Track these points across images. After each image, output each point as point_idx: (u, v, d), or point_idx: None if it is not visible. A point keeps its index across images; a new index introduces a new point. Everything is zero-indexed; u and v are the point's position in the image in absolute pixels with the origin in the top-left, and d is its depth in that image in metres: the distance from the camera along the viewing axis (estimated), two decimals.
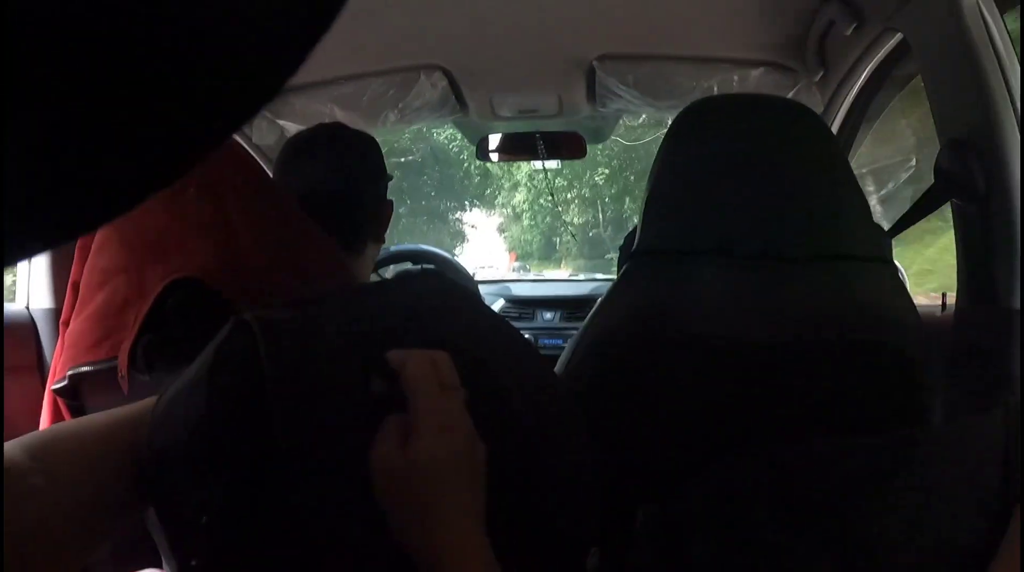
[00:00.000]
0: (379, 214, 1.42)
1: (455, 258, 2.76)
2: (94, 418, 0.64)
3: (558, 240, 22.58)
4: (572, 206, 21.24)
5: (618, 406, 1.08)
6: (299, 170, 1.34)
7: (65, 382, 0.88)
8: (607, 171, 19.91)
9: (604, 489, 0.80)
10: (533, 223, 23.02)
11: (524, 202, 22.29)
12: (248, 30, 0.22)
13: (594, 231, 21.33)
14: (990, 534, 0.66)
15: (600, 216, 21.38)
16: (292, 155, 1.38)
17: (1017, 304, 1.22)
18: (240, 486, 0.56)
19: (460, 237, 23.57)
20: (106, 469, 0.59)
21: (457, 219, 23.32)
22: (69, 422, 0.78)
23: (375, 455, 0.58)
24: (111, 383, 0.84)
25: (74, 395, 0.90)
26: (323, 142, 1.40)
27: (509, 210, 23.44)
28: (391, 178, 1.48)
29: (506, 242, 24.47)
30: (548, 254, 22.42)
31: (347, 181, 1.36)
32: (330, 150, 1.38)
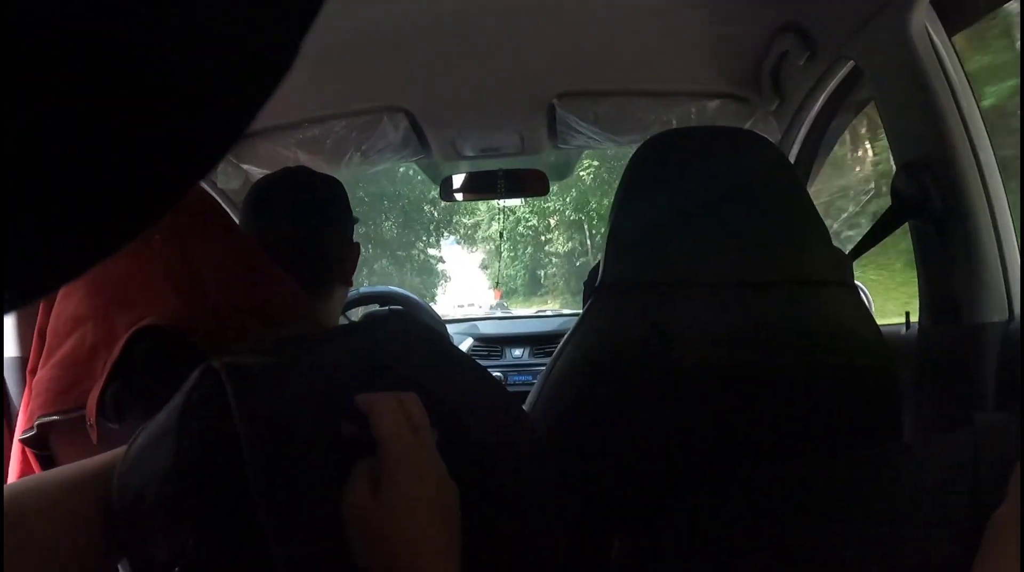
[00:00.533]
0: (346, 257, 1.42)
1: (422, 299, 2.76)
2: (63, 470, 0.62)
3: (543, 273, 22.26)
4: (556, 232, 20.94)
5: (590, 439, 1.08)
6: (265, 215, 1.33)
7: (33, 432, 0.86)
8: (593, 185, 19.43)
9: (579, 522, 0.79)
10: (514, 255, 22.38)
11: (504, 230, 21.87)
12: (212, 75, 0.22)
13: (582, 260, 20.98)
14: (963, 550, 0.66)
15: (588, 242, 21.00)
16: (257, 200, 1.37)
17: (978, 320, 1.24)
18: (212, 534, 0.55)
19: (437, 276, 23.50)
20: (78, 521, 0.58)
21: (431, 257, 23.25)
22: (38, 475, 0.76)
23: (347, 501, 0.57)
24: (80, 432, 0.82)
25: (43, 445, 0.88)
26: (288, 186, 1.38)
27: (490, 244, 22.84)
28: (357, 220, 1.47)
29: (489, 278, 23.88)
30: (534, 290, 22.10)
31: (313, 225, 1.35)
32: (295, 194, 1.37)
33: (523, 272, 22.77)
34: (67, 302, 0.90)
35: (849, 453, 0.83)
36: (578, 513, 0.80)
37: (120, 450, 0.61)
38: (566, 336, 1.14)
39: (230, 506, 0.54)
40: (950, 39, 1.28)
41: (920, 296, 1.39)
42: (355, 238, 1.47)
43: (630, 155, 1.13)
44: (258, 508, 0.53)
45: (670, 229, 1.08)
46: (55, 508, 0.58)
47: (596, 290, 1.12)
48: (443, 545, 0.58)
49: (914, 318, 1.43)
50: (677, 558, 0.82)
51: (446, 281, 24.07)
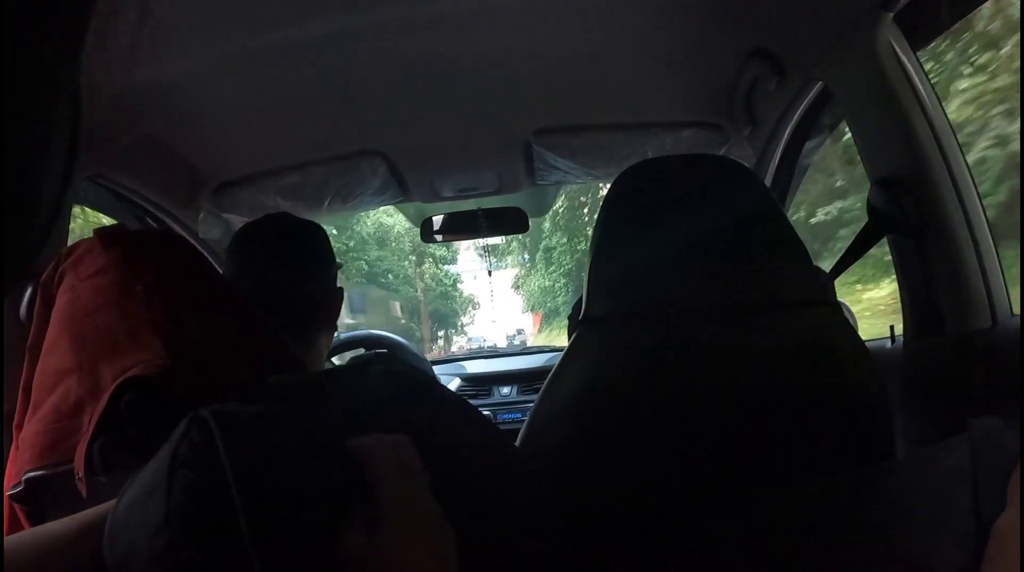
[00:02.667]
0: (329, 303, 1.42)
1: (406, 342, 2.75)
2: (53, 526, 0.62)
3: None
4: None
5: (583, 472, 1.08)
6: (247, 262, 1.33)
7: (21, 487, 0.85)
8: None
9: (577, 555, 0.79)
10: (553, 265, 20.86)
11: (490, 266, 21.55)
12: None
13: None
14: (968, 558, 0.66)
15: None
16: (239, 248, 1.37)
17: (963, 329, 1.25)
18: None
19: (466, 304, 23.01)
20: None
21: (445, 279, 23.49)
22: (26, 533, 0.75)
23: (343, 548, 0.57)
24: (69, 486, 0.81)
25: (31, 500, 0.87)
26: (269, 233, 1.39)
27: (523, 257, 21.99)
28: (341, 265, 1.47)
29: (525, 301, 22.43)
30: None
31: (295, 272, 1.35)
32: (276, 241, 1.37)
33: (564, 281, 21.13)
34: (51, 356, 0.89)
35: (846, 474, 0.83)
36: (576, 547, 0.79)
37: (110, 504, 0.60)
38: (553, 372, 1.14)
39: (224, 558, 0.54)
40: (915, 53, 1.31)
41: (903, 309, 1.40)
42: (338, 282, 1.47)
43: None
44: (252, 558, 0.52)
45: (651, 259, 1.09)
46: (46, 565, 0.57)
47: (580, 323, 1.12)
48: None
49: (898, 331, 1.44)
50: None
51: (473, 307, 23.43)
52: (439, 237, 2.86)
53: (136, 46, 1.38)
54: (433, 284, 25.30)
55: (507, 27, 1.63)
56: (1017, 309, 1.26)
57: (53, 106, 0.33)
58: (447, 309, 24.31)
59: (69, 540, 0.60)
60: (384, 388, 0.75)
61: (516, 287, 23.35)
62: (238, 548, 0.52)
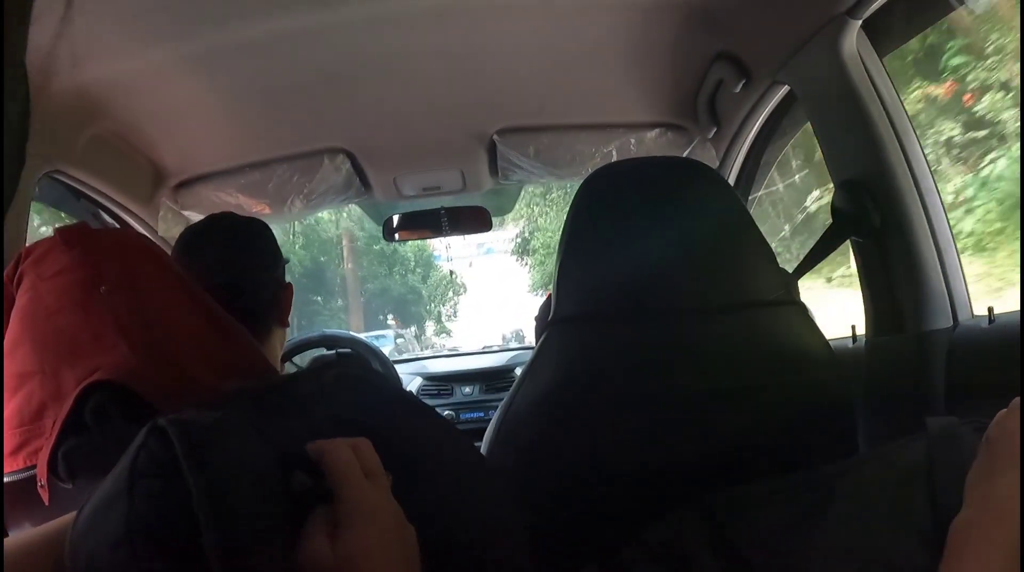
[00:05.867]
0: (279, 299, 1.41)
1: (368, 340, 2.74)
2: (16, 538, 0.61)
3: None
4: None
5: (552, 471, 1.08)
6: (194, 264, 1.32)
7: None
8: None
9: (543, 554, 0.79)
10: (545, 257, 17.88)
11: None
12: None
13: None
14: (928, 556, 0.67)
15: None
16: (184, 249, 1.37)
17: (923, 328, 1.28)
18: None
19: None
20: None
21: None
22: None
23: (305, 552, 0.56)
24: (31, 494, 0.79)
25: None
26: (213, 233, 1.39)
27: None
28: (287, 261, 1.47)
29: (534, 272, 19.81)
30: None
31: (241, 269, 1.34)
32: (220, 240, 1.37)
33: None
34: (12, 360, 0.87)
35: (808, 470, 0.84)
36: (540, 547, 0.79)
37: (70, 517, 0.59)
38: (522, 371, 1.15)
39: (186, 568, 0.53)
40: (881, 59, 1.33)
41: (864, 309, 1.42)
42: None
43: None
44: (214, 567, 0.51)
45: (619, 261, 1.09)
46: None
47: (550, 324, 1.12)
48: None
49: (860, 331, 1.47)
50: None
51: (456, 293, 21.59)
52: (400, 235, 2.84)
53: (95, 39, 1.35)
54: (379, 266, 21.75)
55: (473, 25, 1.63)
56: (978, 310, 1.28)
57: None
58: (408, 297, 21.53)
59: (32, 551, 0.58)
60: (344, 391, 0.75)
61: (520, 252, 20.31)
62: (200, 557, 0.51)
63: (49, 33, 1.24)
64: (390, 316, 22.70)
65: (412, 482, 0.66)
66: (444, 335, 23.13)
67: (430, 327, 23.62)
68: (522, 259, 20.93)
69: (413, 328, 21.34)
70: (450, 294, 24.01)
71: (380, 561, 0.56)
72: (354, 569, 0.55)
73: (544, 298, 1.88)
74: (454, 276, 21.92)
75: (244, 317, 1.10)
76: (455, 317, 24.19)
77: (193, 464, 0.53)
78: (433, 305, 24.02)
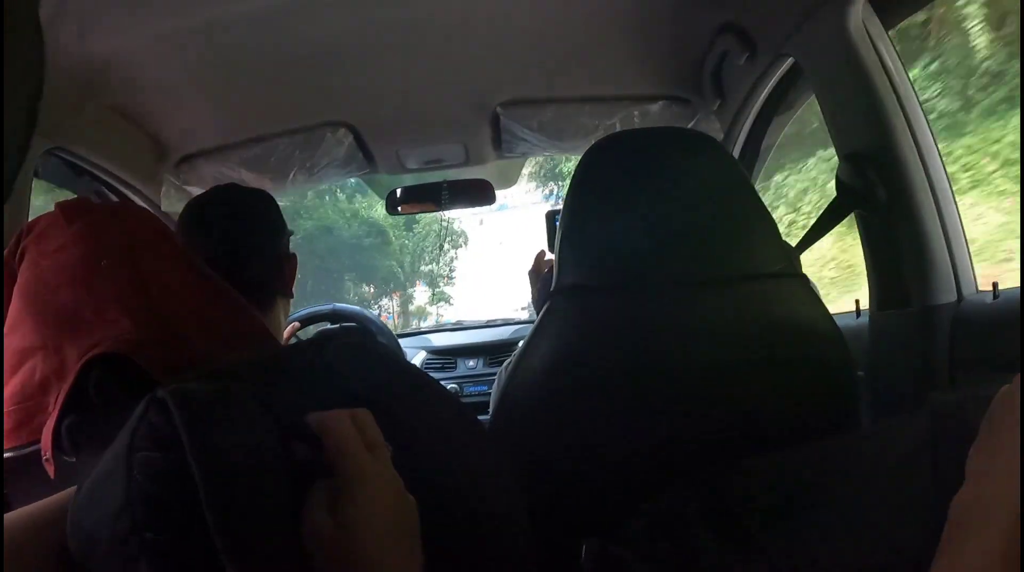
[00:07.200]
0: (283, 269, 1.42)
1: (373, 315, 2.74)
2: (19, 513, 0.61)
3: None
4: None
5: (556, 443, 1.09)
6: (199, 235, 1.32)
7: None
8: None
9: (546, 525, 0.79)
10: None
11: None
12: None
13: None
14: (930, 531, 0.67)
15: None
16: (188, 222, 1.37)
17: (927, 303, 1.27)
18: (170, 570, 0.53)
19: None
20: (37, 565, 0.57)
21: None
22: None
23: (306, 523, 0.56)
24: (36, 468, 0.80)
25: None
26: (217, 204, 1.39)
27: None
28: (292, 232, 1.48)
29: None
30: None
31: (247, 241, 1.35)
32: (227, 211, 1.38)
33: None
34: (14, 335, 0.87)
35: (810, 444, 0.84)
36: (542, 519, 0.80)
37: (72, 490, 0.60)
38: (523, 343, 1.15)
39: (186, 539, 0.53)
40: (887, 33, 1.31)
41: (869, 283, 1.42)
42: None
43: None
44: (215, 539, 0.52)
45: (622, 231, 1.09)
46: (14, 553, 0.56)
47: (551, 295, 1.12)
48: (405, 558, 0.58)
49: (864, 305, 1.46)
50: (645, 560, 0.82)
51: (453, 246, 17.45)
52: (403, 209, 2.84)
53: (98, 11, 1.34)
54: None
55: None
56: (983, 285, 1.28)
57: (12, 64, 0.31)
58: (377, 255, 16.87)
59: (36, 526, 0.59)
60: (346, 362, 0.75)
61: (543, 178, 17.25)
62: (200, 529, 0.51)
63: (53, 4, 1.24)
64: (359, 285, 17.71)
65: (413, 453, 0.66)
66: (442, 304, 18.91)
67: (421, 295, 19.26)
68: (545, 186, 17.91)
69: (391, 300, 18.20)
70: (447, 248, 19.09)
71: (381, 531, 0.56)
72: (355, 539, 0.55)
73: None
74: (447, 224, 18.12)
75: (248, 288, 1.11)
76: (452, 280, 19.44)
77: (193, 436, 0.53)
78: (420, 264, 19.22)
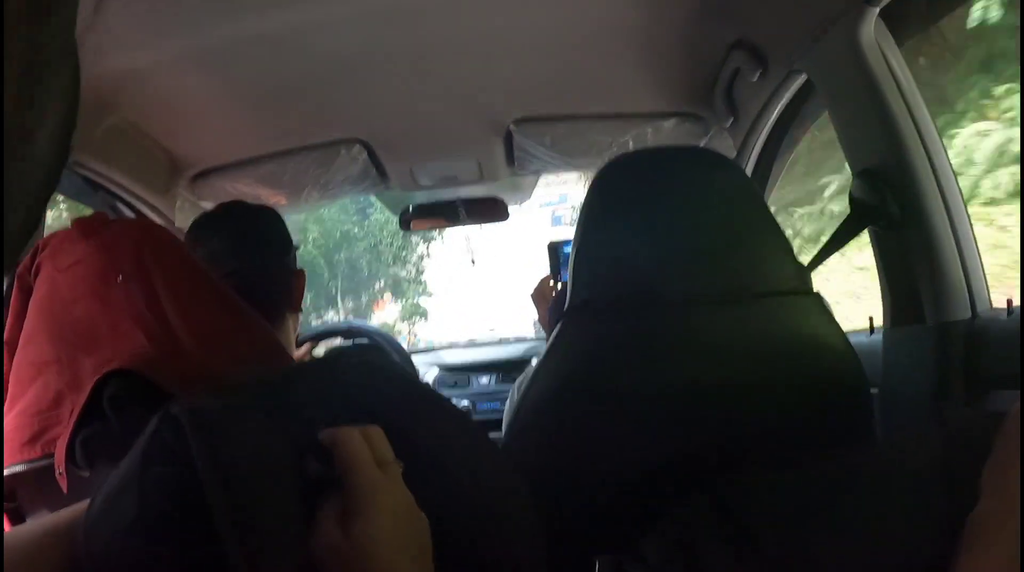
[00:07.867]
0: (291, 284, 1.43)
1: (386, 332, 2.75)
2: (32, 526, 0.62)
3: None
4: None
5: (570, 460, 1.09)
6: (206, 252, 1.33)
7: None
8: None
9: (559, 543, 0.79)
10: None
11: None
12: None
13: None
14: (945, 548, 0.67)
15: None
16: (195, 237, 1.39)
17: (941, 319, 1.27)
18: None
19: None
20: None
21: None
22: (7, 533, 0.74)
23: (317, 539, 0.56)
24: (49, 482, 0.80)
25: (10, 497, 0.85)
26: (224, 221, 1.42)
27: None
28: (298, 247, 1.48)
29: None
30: None
31: (254, 256, 1.36)
32: (231, 228, 1.40)
33: None
34: (29, 349, 0.88)
35: (825, 460, 0.84)
36: (555, 536, 0.79)
37: (84, 504, 0.60)
38: (538, 361, 1.15)
39: (198, 553, 0.53)
40: (899, 49, 1.31)
41: (883, 300, 1.41)
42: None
43: None
44: (227, 553, 0.52)
45: (636, 249, 1.09)
46: (26, 565, 0.57)
47: (566, 313, 1.13)
48: None
49: (878, 322, 1.46)
50: None
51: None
52: (415, 225, 2.85)
53: (116, 30, 1.36)
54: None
55: (488, 14, 1.62)
56: (996, 303, 1.27)
57: (53, 81, 0.32)
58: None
59: (49, 539, 0.59)
60: (358, 379, 0.75)
61: None
62: (213, 544, 0.52)
63: (80, 23, 1.25)
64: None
65: (425, 471, 0.66)
66: (418, 319, 14.76)
67: (390, 311, 14.99)
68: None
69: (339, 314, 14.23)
70: (409, 250, 14.90)
71: (391, 548, 0.56)
72: (365, 556, 0.55)
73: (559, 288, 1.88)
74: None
75: (256, 304, 1.12)
76: (425, 289, 15.15)
77: (204, 452, 0.54)
78: (383, 266, 15.09)
